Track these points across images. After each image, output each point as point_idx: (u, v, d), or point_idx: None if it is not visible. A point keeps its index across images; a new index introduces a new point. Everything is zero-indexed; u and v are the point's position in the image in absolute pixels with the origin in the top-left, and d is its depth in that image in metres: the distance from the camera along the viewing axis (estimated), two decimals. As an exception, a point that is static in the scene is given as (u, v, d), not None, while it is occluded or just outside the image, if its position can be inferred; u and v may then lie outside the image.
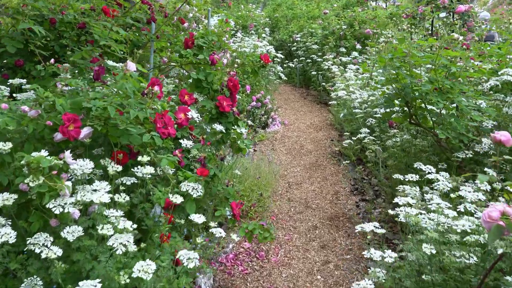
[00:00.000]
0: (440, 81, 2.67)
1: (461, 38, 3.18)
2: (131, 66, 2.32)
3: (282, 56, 7.54)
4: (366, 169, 4.98)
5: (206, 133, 3.07)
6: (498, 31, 5.28)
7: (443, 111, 2.79)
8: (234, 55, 6.94)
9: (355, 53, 8.11)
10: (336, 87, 6.00)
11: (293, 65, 7.23)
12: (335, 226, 3.77)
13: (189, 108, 2.82)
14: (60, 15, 3.51)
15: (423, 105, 2.89)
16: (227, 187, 2.90)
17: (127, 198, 2.04)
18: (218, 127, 2.86)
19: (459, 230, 1.74)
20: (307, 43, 9.73)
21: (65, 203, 1.80)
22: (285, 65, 10.86)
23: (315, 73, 8.53)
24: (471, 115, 2.64)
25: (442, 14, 5.97)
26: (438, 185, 2.20)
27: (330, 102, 6.24)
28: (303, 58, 9.56)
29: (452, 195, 2.21)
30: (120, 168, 2.11)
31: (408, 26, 6.18)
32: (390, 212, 2.34)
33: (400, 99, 2.98)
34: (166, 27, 3.77)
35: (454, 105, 2.94)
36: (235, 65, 3.28)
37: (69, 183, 1.84)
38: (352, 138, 4.33)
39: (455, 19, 6.08)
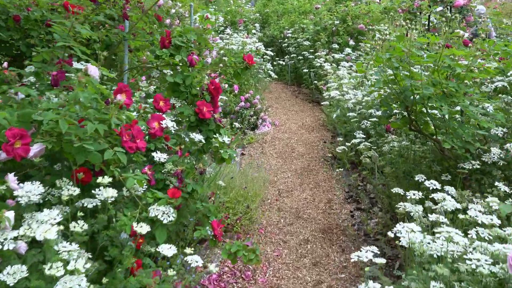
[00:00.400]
0: (444, 84, 2.41)
1: (466, 35, 2.93)
2: (93, 70, 2.03)
3: (272, 54, 7.27)
4: (361, 174, 4.73)
5: (184, 142, 2.79)
6: (500, 25, 5.04)
7: (447, 116, 2.53)
8: (222, 52, 6.66)
9: (348, 50, 7.85)
10: (328, 87, 5.73)
11: (284, 63, 6.97)
12: (328, 239, 3.50)
13: (164, 115, 2.54)
14: (26, 11, 3.22)
15: (424, 109, 2.63)
16: (208, 203, 2.63)
17: (85, 226, 1.76)
18: (197, 136, 2.58)
19: (473, 266, 1.48)
20: (298, 39, 9.45)
21: (5, 239, 1.52)
22: (275, 63, 10.59)
23: (307, 70, 8.26)
24: (479, 121, 2.38)
25: (439, 9, 5.72)
26: (445, 204, 1.94)
27: (322, 103, 5.97)
28: (294, 55, 9.29)
29: (460, 216, 1.95)
30: (77, 191, 1.83)
31: (405, 22, 5.90)
32: (390, 234, 2.07)
33: (399, 103, 2.72)
34: (142, 24, 3.48)
35: (458, 108, 2.68)
36: (217, 66, 3.00)
37: (10, 214, 1.56)
38: (346, 143, 4.06)
39: (452, 13, 5.83)
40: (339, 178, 4.73)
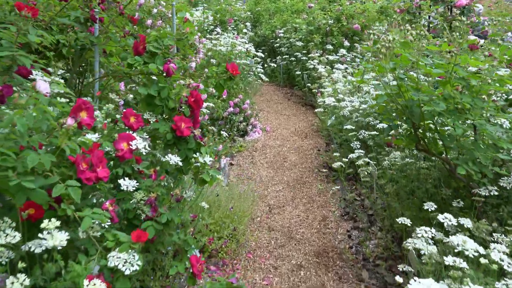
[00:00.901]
0: (457, 98, 2.11)
1: (482, 41, 2.64)
2: (42, 86, 1.70)
3: (264, 55, 6.95)
4: (357, 186, 4.43)
5: (160, 162, 2.46)
6: (503, 26, 4.77)
7: (459, 134, 2.23)
8: (210, 54, 6.33)
9: (343, 51, 7.56)
10: (323, 92, 5.41)
11: (275, 65, 6.65)
12: (323, 264, 3.20)
13: (135, 134, 2.22)
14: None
15: (432, 126, 2.33)
16: (188, 233, 2.31)
17: (27, 281, 1.44)
18: (173, 159, 2.26)
19: None
20: (291, 39, 9.14)
21: None
22: (266, 65, 10.29)
23: (300, 73, 7.95)
24: (496, 141, 2.08)
25: (440, 9, 5.43)
26: (465, 248, 1.63)
27: (316, 110, 5.66)
28: (286, 56, 8.98)
29: (482, 260, 1.65)
30: (17, 237, 1.51)
31: (403, 22, 5.62)
32: (398, 278, 1.77)
33: (404, 118, 2.42)
34: (114, 28, 3.14)
35: (469, 121, 2.39)
36: (196, 78, 2.68)
37: None
38: (343, 159, 3.75)
39: (453, 13, 5.55)
40: (335, 192, 4.42)
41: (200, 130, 2.57)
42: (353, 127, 4.37)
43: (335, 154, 4.42)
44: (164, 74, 2.53)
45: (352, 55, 7.60)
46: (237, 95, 6.03)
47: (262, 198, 4.30)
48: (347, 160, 3.63)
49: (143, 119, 2.47)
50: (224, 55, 6.26)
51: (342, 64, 7.22)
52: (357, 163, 3.42)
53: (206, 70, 2.86)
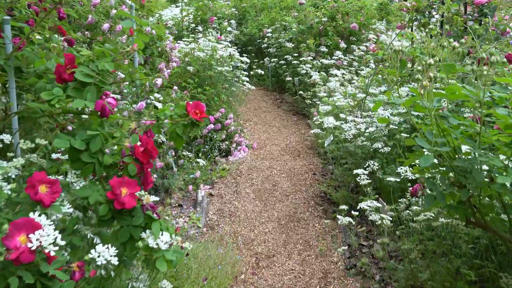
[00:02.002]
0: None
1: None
2: None
3: (249, 60, 6.18)
4: (363, 225, 3.71)
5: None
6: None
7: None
8: (187, 60, 5.56)
9: (338, 53, 6.83)
10: (319, 110, 4.64)
11: (262, 71, 5.87)
12: None
13: (42, 220, 1.45)
14: None
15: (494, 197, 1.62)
16: None
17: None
18: (103, 254, 1.50)
19: None
20: (280, 39, 8.39)
21: None
22: (254, 66, 9.54)
23: (290, 78, 7.19)
24: None
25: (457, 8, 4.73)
26: None
27: (312, 131, 4.89)
28: (275, 58, 8.24)
29: None
30: None
31: (410, 23, 4.91)
32: None
33: (456, 189, 1.68)
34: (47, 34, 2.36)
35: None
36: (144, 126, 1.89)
37: None
38: (353, 212, 2.99)
39: (469, 14, 4.85)
40: (336, 233, 3.70)
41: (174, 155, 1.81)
42: (358, 152, 3.65)
43: (333, 179, 3.69)
44: (99, 114, 1.77)
45: (349, 58, 6.87)
46: (219, 108, 5.26)
47: (248, 244, 3.56)
48: (356, 214, 2.89)
49: (64, 185, 1.72)
50: (203, 61, 5.49)
51: (339, 69, 6.49)
52: (365, 211, 2.70)
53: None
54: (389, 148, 3.45)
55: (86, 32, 3.62)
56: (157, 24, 6.07)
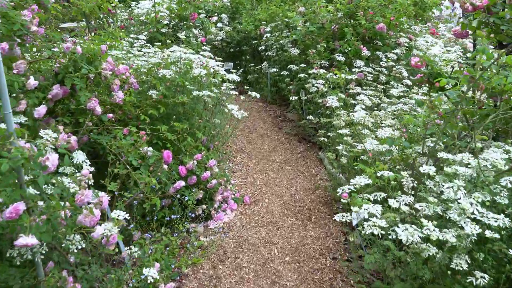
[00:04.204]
0: None
1: None
2: None
3: (238, 78, 4.58)
4: None
5: None
6: None
7: None
8: (149, 80, 4.00)
9: (360, 63, 5.26)
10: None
11: (254, 94, 4.26)
12: None
13: None
14: None
15: None
16: None
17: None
18: None
19: None
20: (281, 41, 6.81)
21: None
22: (250, 76, 8.01)
23: (296, 98, 5.61)
24: None
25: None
26: None
27: (325, 173, 3.33)
28: (276, 69, 6.69)
29: None
30: None
31: (477, 28, 3.36)
32: None
33: None
34: None
35: None
36: None
37: None
38: None
39: None
40: None
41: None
42: (422, 273, 2.11)
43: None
44: None
45: (374, 69, 5.30)
46: (195, 152, 3.72)
47: None
48: None
49: None
50: (173, 81, 3.92)
51: (361, 87, 4.93)
52: None
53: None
54: (485, 279, 1.92)
55: None
56: (115, 28, 4.52)
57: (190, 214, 3.56)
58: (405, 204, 2.35)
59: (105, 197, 2.64)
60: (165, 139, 3.58)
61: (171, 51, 4.24)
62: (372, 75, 5.13)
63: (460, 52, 6.67)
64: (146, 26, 6.67)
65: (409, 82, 4.93)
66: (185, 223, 3.41)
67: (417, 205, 2.29)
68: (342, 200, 2.46)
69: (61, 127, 2.63)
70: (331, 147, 4.55)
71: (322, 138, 4.32)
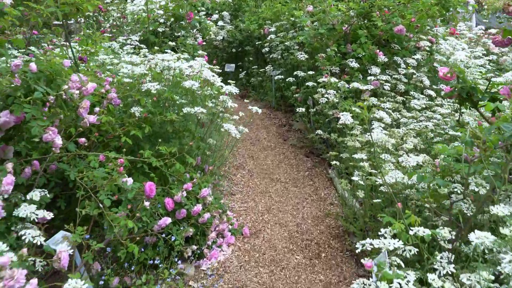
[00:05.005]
0: None
1: None
2: None
3: (237, 91, 4.01)
4: None
5: None
6: None
7: None
8: (132, 95, 3.49)
9: (375, 70, 4.71)
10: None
11: (255, 109, 3.70)
12: None
13: None
14: None
15: None
16: None
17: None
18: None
19: None
20: (286, 43, 6.27)
21: None
22: (253, 79, 7.48)
23: (303, 110, 5.06)
24: None
25: None
26: None
27: (337, 195, 2.81)
28: (281, 75, 6.15)
29: None
30: None
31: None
32: None
33: None
34: None
35: None
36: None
37: None
38: None
39: None
40: None
41: None
42: None
43: None
44: None
45: (392, 77, 4.74)
46: (186, 181, 3.20)
47: None
48: None
49: None
50: (161, 95, 3.40)
51: (376, 97, 4.38)
52: None
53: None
54: None
55: None
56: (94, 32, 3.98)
57: (177, 257, 3.03)
58: (447, 274, 1.82)
59: (64, 253, 2.13)
60: (149, 167, 3.06)
61: (160, 59, 3.70)
62: (389, 84, 4.57)
63: (483, 55, 6.10)
64: (141, 26, 6.14)
65: (432, 92, 4.38)
66: (171, 269, 2.88)
67: (463, 277, 1.75)
68: (364, 265, 1.92)
69: (9, 165, 2.11)
70: (343, 170, 4.01)
71: (334, 162, 3.77)
